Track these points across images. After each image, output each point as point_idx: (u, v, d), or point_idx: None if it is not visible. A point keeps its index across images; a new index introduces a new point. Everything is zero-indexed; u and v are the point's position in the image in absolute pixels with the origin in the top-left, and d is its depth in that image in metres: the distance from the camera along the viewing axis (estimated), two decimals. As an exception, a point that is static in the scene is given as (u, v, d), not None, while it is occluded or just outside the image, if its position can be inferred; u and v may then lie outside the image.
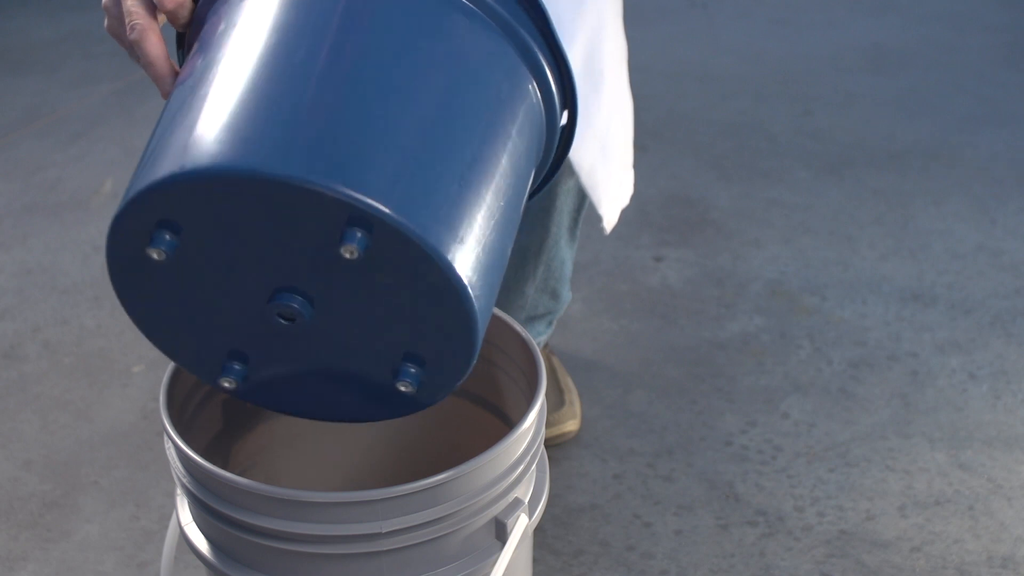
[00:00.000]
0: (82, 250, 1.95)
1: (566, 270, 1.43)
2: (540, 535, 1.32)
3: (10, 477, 1.44)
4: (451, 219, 0.76)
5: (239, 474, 0.84)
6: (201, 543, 0.91)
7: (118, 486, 1.42)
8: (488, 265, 0.79)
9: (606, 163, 1.25)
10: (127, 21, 0.82)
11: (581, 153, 1.21)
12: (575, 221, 1.38)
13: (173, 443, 0.87)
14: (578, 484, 1.40)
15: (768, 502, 1.37)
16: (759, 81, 2.64)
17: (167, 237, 0.75)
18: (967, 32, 2.84)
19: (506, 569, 0.87)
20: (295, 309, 0.78)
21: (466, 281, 0.76)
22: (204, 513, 0.87)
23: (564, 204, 1.33)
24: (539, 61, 0.86)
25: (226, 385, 0.85)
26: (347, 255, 0.73)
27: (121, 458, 1.47)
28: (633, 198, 1.36)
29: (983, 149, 2.27)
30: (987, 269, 1.85)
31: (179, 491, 0.93)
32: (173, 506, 1.00)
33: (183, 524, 0.92)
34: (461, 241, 0.76)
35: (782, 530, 1.33)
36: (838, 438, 1.48)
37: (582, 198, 1.34)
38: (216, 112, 0.76)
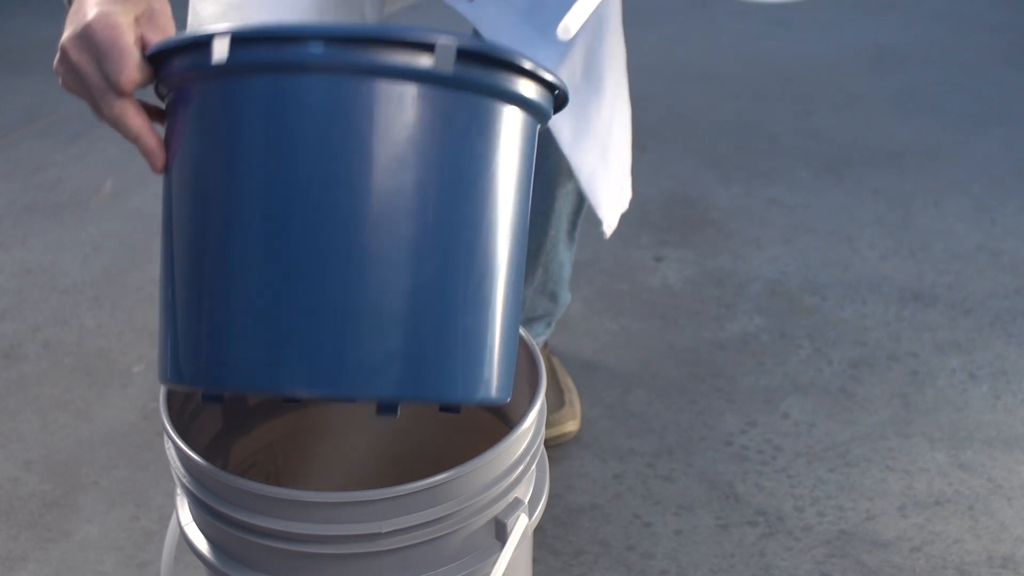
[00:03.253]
0: (82, 250, 1.95)
1: (564, 272, 1.43)
2: (540, 535, 1.32)
3: (10, 477, 1.44)
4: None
5: (239, 474, 0.84)
6: (201, 543, 0.91)
7: (118, 486, 1.42)
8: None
9: (606, 166, 1.24)
10: (99, 99, 0.78)
11: (582, 156, 1.20)
12: (573, 224, 1.38)
13: (173, 443, 0.87)
14: (578, 484, 1.40)
15: (768, 502, 1.37)
16: (759, 81, 2.64)
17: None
18: (966, 31, 2.84)
19: (506, 569, 0.87)
20: None
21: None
22: (204, 513, 0.87)
23: (563, 207, 1.33)
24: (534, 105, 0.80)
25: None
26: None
27: (121, 458, 1.47)
28: (633, 198, 1.36)
29: (982, 148, 2.27)
30: (987, 269, 1.85)
31: (179, 491, 0.93)
32: (173, 506, 1.00)
33: (183, 524, 0.92)
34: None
35: (782, 530, 1.33)
36: (838, 438, 1.48)
37: (581, 201, 1.34)
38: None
